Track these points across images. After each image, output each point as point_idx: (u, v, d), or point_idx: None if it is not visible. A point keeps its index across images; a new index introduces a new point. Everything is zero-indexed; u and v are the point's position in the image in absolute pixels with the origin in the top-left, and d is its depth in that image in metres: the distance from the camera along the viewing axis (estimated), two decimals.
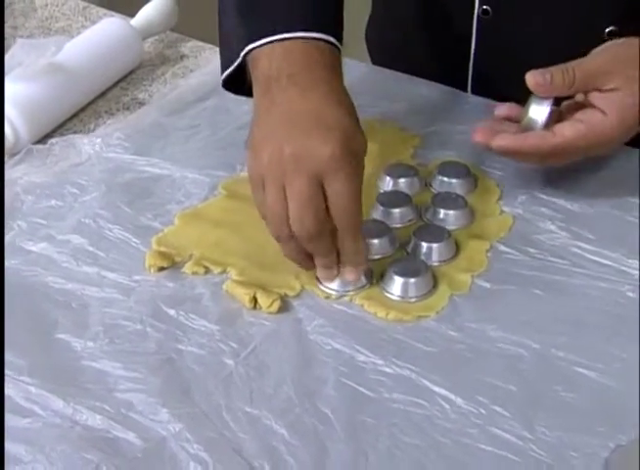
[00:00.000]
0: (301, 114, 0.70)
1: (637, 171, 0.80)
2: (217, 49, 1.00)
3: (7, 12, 1.09)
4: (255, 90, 0.74)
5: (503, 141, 0.75)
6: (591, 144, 0.74)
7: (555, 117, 0.75)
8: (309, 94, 0.71)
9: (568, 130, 0.73)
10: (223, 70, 0.80)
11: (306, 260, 0.71)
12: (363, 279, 0.71)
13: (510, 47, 0.90)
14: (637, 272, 0.71)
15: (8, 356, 0.66)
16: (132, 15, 1.03)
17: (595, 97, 0.74)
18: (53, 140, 0.87)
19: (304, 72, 0.72)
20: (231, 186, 0.81)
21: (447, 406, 0.63)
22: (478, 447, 0.60)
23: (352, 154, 0.68)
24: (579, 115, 0.74)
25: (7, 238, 0.77)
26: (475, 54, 0.93)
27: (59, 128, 0.91)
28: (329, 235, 0.68)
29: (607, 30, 0.86)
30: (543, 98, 0.74)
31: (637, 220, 0.76)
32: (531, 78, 0.74)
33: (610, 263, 0.73)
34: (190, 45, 1.04)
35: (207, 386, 0.65)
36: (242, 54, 0.75)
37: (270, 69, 0.72)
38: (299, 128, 0.69)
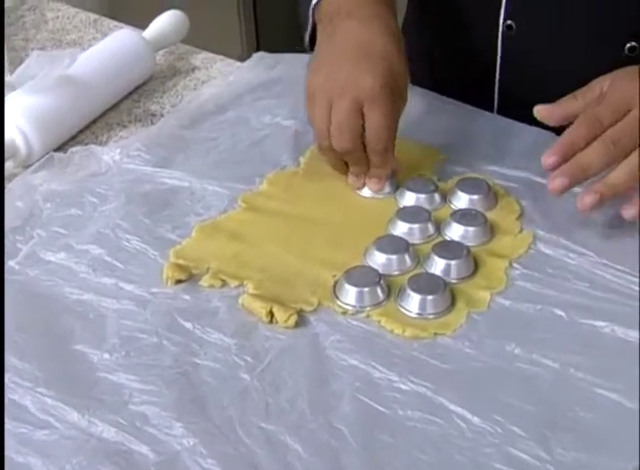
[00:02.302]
0: (356, 44, 0.79)
1: None
2: (229, 61, 1.02)
3: (18, 24, 1.10)
4: (319, 28, 0.85)
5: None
6: None
7: None
8: (365, 27, 0.80)
9: None
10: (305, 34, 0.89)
11: (341, 167, 0.82)
12: (380, 295, 0.71)
13: (534, 64, 0.90)
14: None
15: (26, 367, 0.67)
16: (142, 27, 1.03)
17: None
18: (73, 149, 0.87)
19: (362, 8, 0.81)
20: (250, 199, 0.81)
21: (463, 425, 0.62)
22: (494, 467, 0.60)
23: (393, 88, 0.77)
24: None
25: (27, 247, 0.77)
26: (500, 71, 0.92)
27: (71, 140, 0.91)
28: (361, 151, 0.78)
29: (627, 46, 0.86)
30: None
31: None
32: None
33: (632, 287, 0.72)
34: (201, 57, 1.04)
35: (222, 400, 0.64)
36: (311, 8, 0.85)
37: (332, 6, 0.83)
38: (352, 57, 0.79)
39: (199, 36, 1.07)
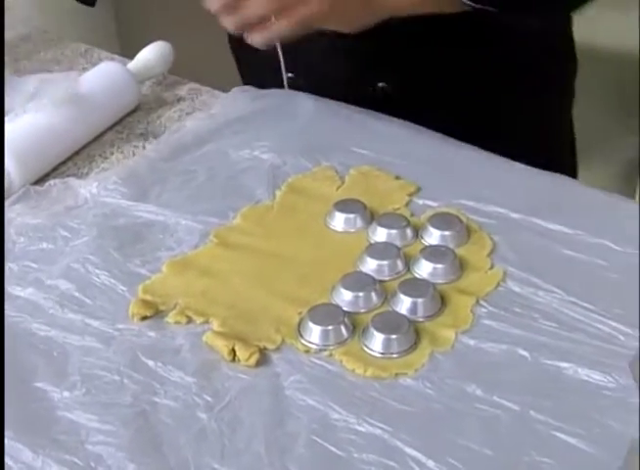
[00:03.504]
0: None
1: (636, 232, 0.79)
2: (214, 92, 1.01)
3: (10, 54, 1.11)
4: None
5: None
6: None
7: None
8: None
9: None
10: None
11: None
12: (345, 333, 0.71)
13: None
14: (627, 339, 0.70)
15: None
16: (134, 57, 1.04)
17: None
18: (51, 182, 0.88)
19: None
20: (222, 234, 0.81)
21: (417, 468, 0.62)
22: None
23: None
24: None
25: None
26: None
27: (52, 172, 0.91)
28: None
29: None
30: None
31: (635, 284, 0.74)
32: None
33: (599, 326, 0.71)
34: (187, 88, 1.05)
35: (179, 440, 0.64)
36: None
37: None
38: None
39: (185, 67, 1.08)
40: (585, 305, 0.72)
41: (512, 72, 1.02)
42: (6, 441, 0.64)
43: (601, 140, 1.74)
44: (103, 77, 0.99)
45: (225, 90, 1.04)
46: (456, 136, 0.91)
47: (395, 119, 0.94)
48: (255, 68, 1.07)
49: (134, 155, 0.94)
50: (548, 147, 1.08)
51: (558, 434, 0.64)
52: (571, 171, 1.14)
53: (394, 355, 0.70)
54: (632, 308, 0.72)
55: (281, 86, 1.01)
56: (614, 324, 0.71)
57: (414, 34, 0.95)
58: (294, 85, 1.02)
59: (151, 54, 1.03)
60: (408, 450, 0.63)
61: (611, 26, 1.59)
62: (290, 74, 1.02)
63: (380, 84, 1.00)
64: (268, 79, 1.02)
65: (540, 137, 1.07)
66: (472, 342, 0.71)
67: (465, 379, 0.67)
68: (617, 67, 1.67)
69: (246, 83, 1.06)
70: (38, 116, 0.93)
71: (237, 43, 1.12)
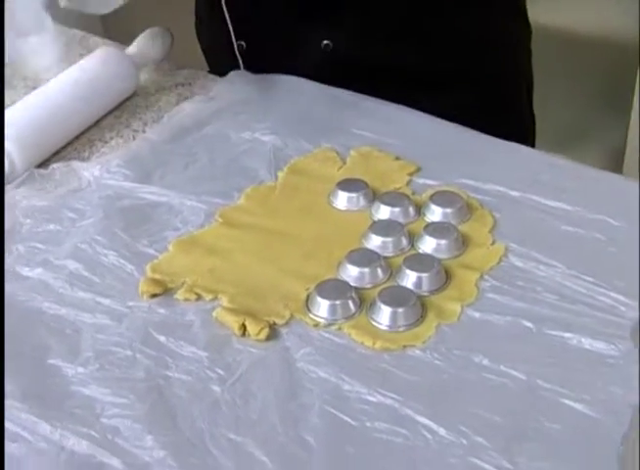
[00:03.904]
0: None
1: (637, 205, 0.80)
2: (212, 76, 1.03)
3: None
4: None
5: None
6: None
7: None
8: None
9: None
10: None
11: None
12: (352, 308, 0.72)
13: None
14: (627, 310, 0.71)
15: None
16: (130, 43, 1.04)
17: None
18: (54, 165, 0.88)
19: None
20: (227, 213, 0.82)
21: (429, 436, 0.63)
22: None
23: None
24: None
25: (6, 262, 0.78)
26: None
27: (53, 156, 0.92)
28: None
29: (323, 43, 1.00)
30: None
31: (634, 257, 0.76)
32: None
33: (600, 298, 0.73)
34: (184, 73, 1.05)
35: (193, 412, 0.65)
36: None
37: None
38: None
39: (182, 53, 1.09)
40: (586, 278, 0.74)
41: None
42: (22, 414, 0.65)
43: (586, 130, 1.76)
44: (102, 62, 1.00)
45: (222, 75, 1.05)
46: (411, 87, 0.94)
47: (392, 103, 0.95)
48: (213, 49, 1.11)
49: (134, 139, 0.95)
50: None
51: (564, 401, 0.65)
52: (528, 110, 1.15)
53: (401, 328, 0.71)
54: (632, 280, 0.73)
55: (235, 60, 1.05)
56: (614, 295, 0.72)
57: None
58: (246, 55, 1.05)
59: (149, 39, 1.04)
60: (419, 419, 0.64)
61: (598, 14, 1.61)
62: (241, 42, 1.05)
63: (325, 42, 1.00)
64: (225, 59, 1.05)
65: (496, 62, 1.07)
66: (477, 314, 0.72)
67: (472, 350, 0.69)
68: (601, 55, 1.69)
69: (211, 72, 1.08)
70: (39, 99, 0.94)
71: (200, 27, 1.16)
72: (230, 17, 1.03)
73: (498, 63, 1.06)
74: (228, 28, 1.04)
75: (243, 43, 1.05)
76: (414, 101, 0.94)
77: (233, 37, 1.04)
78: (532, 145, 1.10)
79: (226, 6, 1.03)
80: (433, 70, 1.02)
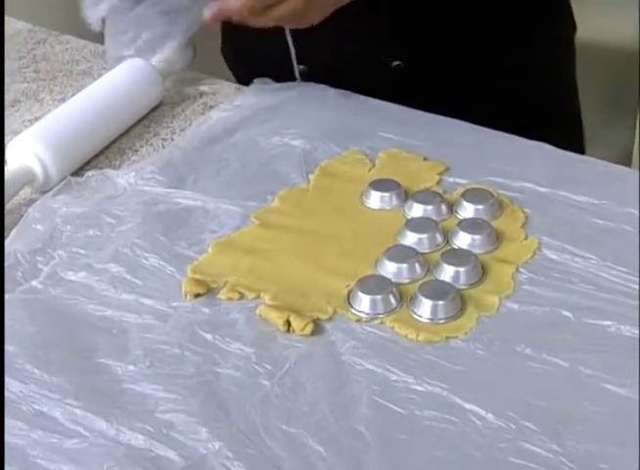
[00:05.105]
0: None
1: None
2: (236, 85, 1.05)
3: (29, 57, 1.14)
4: None
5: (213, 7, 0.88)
6: None
7: None
8: None
9: None
10: None
11: None
12: (393, 302, 0.74)
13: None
14: None
15: (54, 380, 0.69)
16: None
17: None
18: (89, 173, 0.90)
19: None
20: (263, 216, 0.84)
21: (478, 422, 0.64)
22: (509, 461, 0.62)
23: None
24: None
25: (48, 268, 0.79)
26: None
27: (85, 165, 0.94)
28: None
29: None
30: None
31: None
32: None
33: (635, 286, 0.74)
34: (208, 82, 1.07)
35: (245, 406, 0.67)
36: None
37: None
38: None
39: (206, 63, 1.10)
40: (620, 268, 0.76)
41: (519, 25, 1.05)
42: (78, 411, 0.66)
43: (594, 132, 1.78)
44: (128, 73, 1.01)
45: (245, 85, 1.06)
46: (472, 108, 0.94)
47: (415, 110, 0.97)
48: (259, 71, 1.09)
49: (163, 147, 0.97)
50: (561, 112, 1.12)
51: (608, 386, 0.66)
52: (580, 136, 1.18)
53: (442, 321, 0.72)
54: None
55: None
56: None
57: (425, 8, 0.98)
58: (307, 78, 1.05)
59: (173, 49, 1.05)
60: (467, 406, 0.66)
61: (607, 20, 1.63)
62: (302, 66, 1.05)
63: (395, 63, 1.02)
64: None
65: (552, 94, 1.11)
66: (515, 306, 0.73)
67: (513, 340, 0.70)
68: (611, 60, 1.71)
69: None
70: (69, 110, 0.96)
71: (236, 53, 1.16)
72: (293, 41, 1.03)
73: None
74: (285, 53, 1.03)
75: (304, 67, 1.05)
76: (476, 121, 0.94)
77: (294, 61, 1.04)
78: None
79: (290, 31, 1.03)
80: (496, 94, 1.04)
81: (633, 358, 0.68)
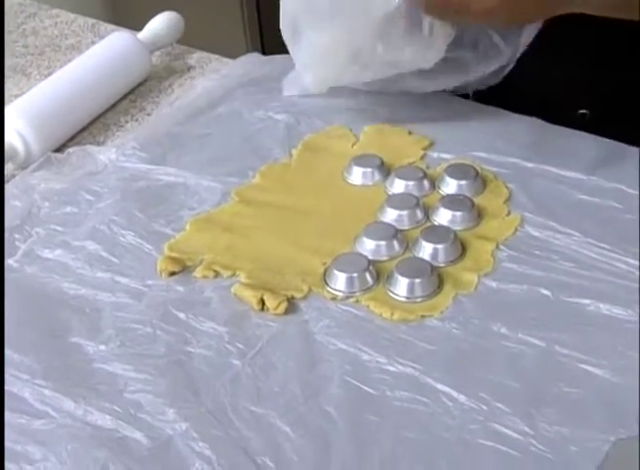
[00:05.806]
0: None
1: None
2: (224, 59, 1.03)
3: (18, 32, 1.13)
4: None
5: None
6: None
7: None
8: None
9: None
10: None
11: None
12: (370, 280, 0.73)
13: None
14: None
15: (25, 360, 0.68)
16: (140, 29, 1.05)
17: None
18: (70, 149, 0.89)
19: None
20: (243, 192, 0.83)
21: (450, 403, 0.63)
22: (479, 443, 0.61)
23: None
24: None
25: (25, 245, 0.79)
26: None
27: (69, 141, 0.93)
28: None
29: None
30: None
31: None
32: None
33: (617, 264, 0.73)
34: (196, 56, 1.06)
35: (215, 386, 0.66)
36: None
37: None
38: None
39: (194, 36, 1.09)
40: (602, 245, 0.74)
41: None
42: (46, 392, 0.66)
43: None
44: (115, 48, 1.00)
45: (234, 58, 1.05)
46: None
47: None
48: None
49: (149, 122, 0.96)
50: None
51: (583, 366, 0.65)
52: None
53: (419, 299, 0.71)
54: None
55: None
56: (631, 261, 0.72)
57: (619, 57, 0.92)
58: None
59: (160, 24, 1.04)
60: (439, 387, 0.65)
61: None
62: None
63: (581, 111, 0.96)
64: None
65: None
66: (494, 284, 0.72)
67: (489, 318, 0.69)
68: None
69: None
70: (53, 85, 0.95)
71: None
72: None
73: None
74: None
75: None
76: None
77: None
78: None
79: None
80: None
81: (611, 338, 0.67)
